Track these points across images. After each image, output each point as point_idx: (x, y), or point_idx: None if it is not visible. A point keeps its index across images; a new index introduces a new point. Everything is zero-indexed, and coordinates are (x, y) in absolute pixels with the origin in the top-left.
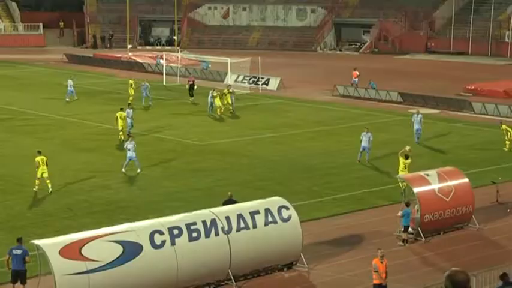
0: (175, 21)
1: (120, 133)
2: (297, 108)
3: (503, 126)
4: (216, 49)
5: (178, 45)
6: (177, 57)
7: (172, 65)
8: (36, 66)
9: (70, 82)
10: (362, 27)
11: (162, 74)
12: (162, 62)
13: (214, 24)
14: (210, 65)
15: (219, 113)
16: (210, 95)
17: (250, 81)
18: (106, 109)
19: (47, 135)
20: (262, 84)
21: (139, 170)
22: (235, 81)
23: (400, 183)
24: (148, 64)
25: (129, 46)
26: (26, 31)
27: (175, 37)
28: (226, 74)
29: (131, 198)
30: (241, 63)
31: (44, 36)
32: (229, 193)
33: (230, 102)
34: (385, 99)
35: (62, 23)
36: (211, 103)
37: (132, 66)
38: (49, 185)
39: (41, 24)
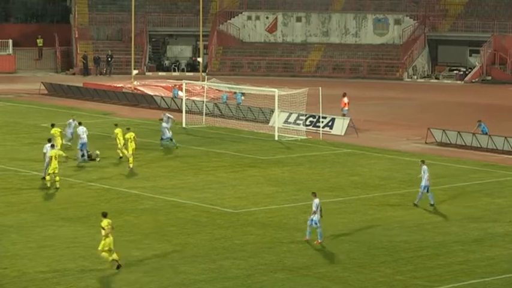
0: (201, 37)
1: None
2: (373, 161)
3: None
4: (257, 76)
5: (204, 71)
6: (203, 87)
7: (195, 98)
8: (1, 101)
9: (72, 123)
10: (469, 45)
11: (181, 112)
12: (181, 94)
13: (255, 41)
14: (243, 98)
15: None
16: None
17: (307, 123)
18: (100, 162)
19: (17, 199)
20: (324, 127)
21: None
22: (286, 121)
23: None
24: (162, 98)
25: (135, 72)
26: None
27: (199, 59)
28: (272, 112)
29: None
30: (294, 96)
31: (14, 57)
32: None
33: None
34: (502, 149)
35: (41, 40)
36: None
37: (138, 100)
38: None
39: (10, 41)
